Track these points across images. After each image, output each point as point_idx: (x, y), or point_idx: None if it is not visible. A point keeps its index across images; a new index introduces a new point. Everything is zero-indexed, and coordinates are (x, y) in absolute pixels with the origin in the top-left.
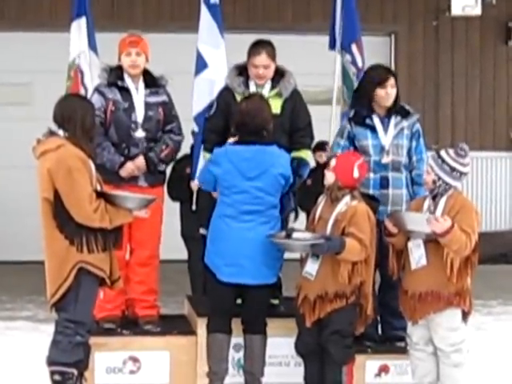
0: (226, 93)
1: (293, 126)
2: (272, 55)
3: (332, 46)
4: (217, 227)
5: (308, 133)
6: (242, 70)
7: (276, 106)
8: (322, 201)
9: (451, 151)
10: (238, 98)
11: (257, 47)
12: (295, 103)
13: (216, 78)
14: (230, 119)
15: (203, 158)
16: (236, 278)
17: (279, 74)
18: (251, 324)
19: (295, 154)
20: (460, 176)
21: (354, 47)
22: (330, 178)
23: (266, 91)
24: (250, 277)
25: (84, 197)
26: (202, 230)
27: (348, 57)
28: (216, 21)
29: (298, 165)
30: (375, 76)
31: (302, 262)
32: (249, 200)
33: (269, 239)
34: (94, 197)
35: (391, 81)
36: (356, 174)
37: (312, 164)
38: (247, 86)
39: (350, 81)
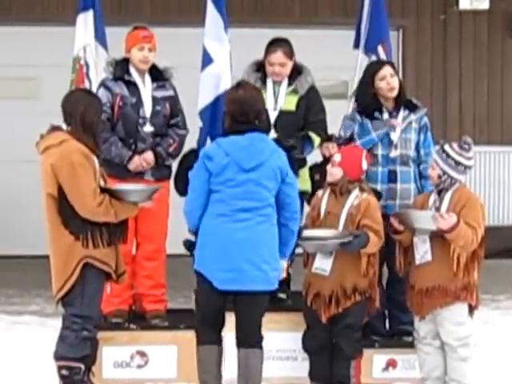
0: None
1: (305, 121)
2: (288, 53)
3: (356, 44)
4: (209, 228)
5: (319, 126)
6: (259, 67)
7: (291, 103)
8: (324, 196)
9: (455, 145)
10: None
11: (273, 45)
12: (310, 100)
13: (221, 72)
14: None
15: None
16: (234, 284)
17: (297, 71)
18: (246, 337)
19: (301, 133)
20: (465, 170)
21: (380, 48)
22: (337, 173)
23: (283, 88)
24: (250, 283)
25: (87, 191)
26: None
27: (374, 58)
28: (221, 14)
29: (301, 138)
30: (371, 67)
31: (305, 257)
32: (245, 195)
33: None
34: (97, 191)
35: (388, 69)
36: (365, 165)
37: (320, 158)
38: (264, 82)
39: None
